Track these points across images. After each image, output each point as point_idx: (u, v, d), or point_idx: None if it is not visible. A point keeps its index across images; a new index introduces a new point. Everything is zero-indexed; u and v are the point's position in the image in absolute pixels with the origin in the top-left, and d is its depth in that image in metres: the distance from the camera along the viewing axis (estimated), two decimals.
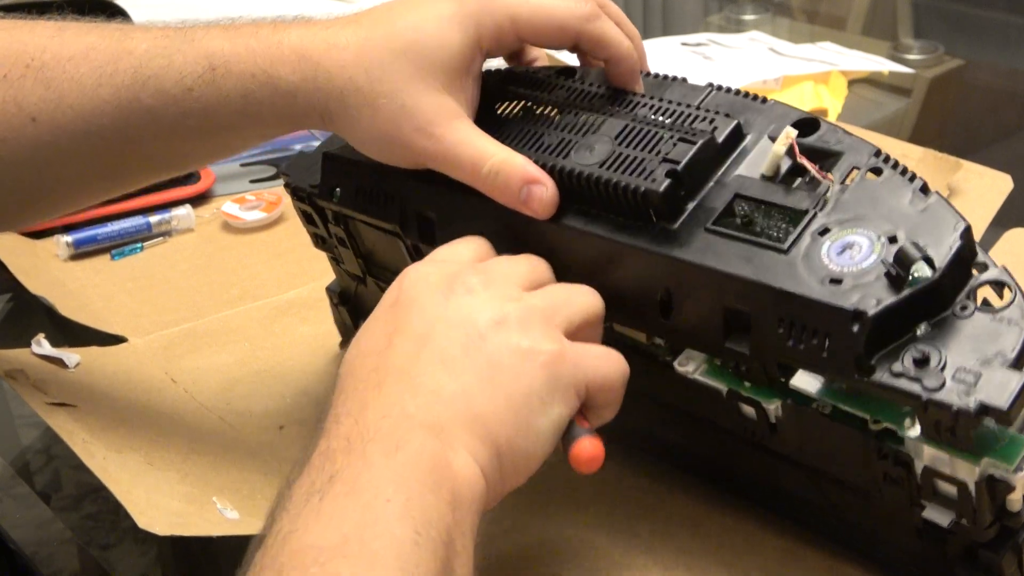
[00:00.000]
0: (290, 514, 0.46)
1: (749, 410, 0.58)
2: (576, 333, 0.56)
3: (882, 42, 1.44)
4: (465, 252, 0.60)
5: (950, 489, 0.51)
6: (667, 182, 0.57)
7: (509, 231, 0.62)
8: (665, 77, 0.64)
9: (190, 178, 1.05)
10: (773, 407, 0.57)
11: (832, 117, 1.20)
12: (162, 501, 0.66)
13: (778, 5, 1.59)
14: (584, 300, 0.58)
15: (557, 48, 0.65)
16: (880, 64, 1.32)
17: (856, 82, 1.29)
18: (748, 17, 1.54)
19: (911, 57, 1.37)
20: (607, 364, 0.56)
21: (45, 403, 0.73)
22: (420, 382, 0.51)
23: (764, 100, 0.61)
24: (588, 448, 0.53)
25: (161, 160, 0.68)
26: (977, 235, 0.83)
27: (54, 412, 0.72)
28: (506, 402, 0.51)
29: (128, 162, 0.67)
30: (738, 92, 0.62)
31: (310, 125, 0.64)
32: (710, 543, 0.64)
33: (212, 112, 0.63)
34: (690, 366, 0.60)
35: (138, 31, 0.65)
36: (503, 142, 0.62)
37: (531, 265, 0.59)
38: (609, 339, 0.60)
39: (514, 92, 0.65)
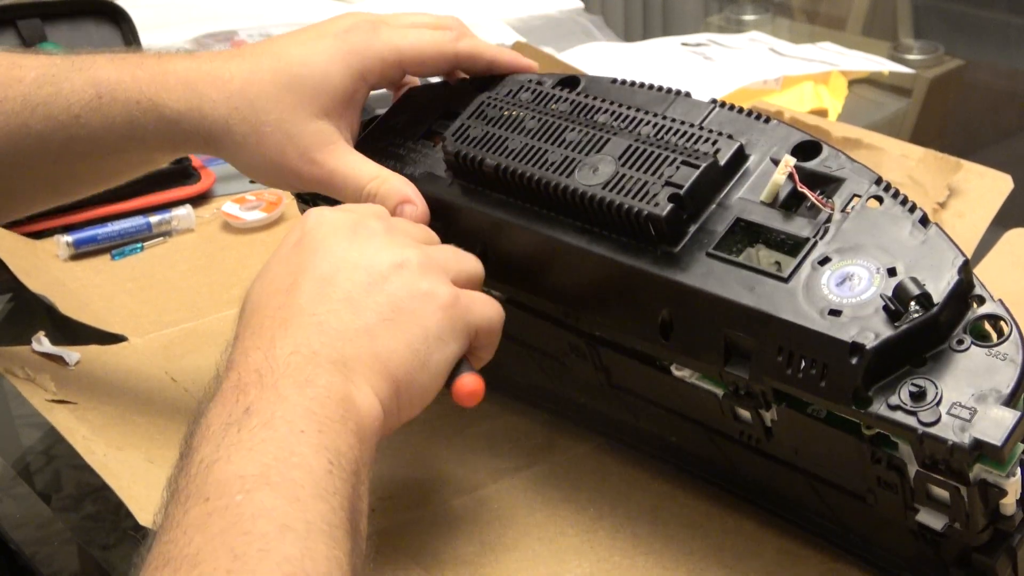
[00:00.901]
0: (210, 445, 0.49)
1: (745, 414, 0.58)
2: (462, 287, 0.60)
3: (882, 42, 1.44)
4: (367, 207, 0.63)
5: (943, 493, 0.52)
6: (670, 206, 0.57)
7: (518, 243, 0.63)
8: (668, 91, 0.64)
9: (190, 178, 1.05)
10: (769, 412, 0.57)
11: (832, 117, 1.20)
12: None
13: (778, 5, 1.59)
14: (471, 261, 0.62)
15: (437, 75, 0.70)
16: (880, 64, 1.32)
17: (856, 82, 1.29)
18: (748, 17, 1.54)
19: (911, 57, 1.37)
20: (491, 309, 0.60)
21: (45, 400, 0.73)
22: (325, 320, 0.54)
23: (767, 120, 0.61)
24: (470, 383, 0.58)
25: (51, 183, 0.72)
26: (977, 235, 0.84)
27: (54, 409, 0.72)
28: (406, 341, 0.55)
29: (18, 185, 0.71)
30: (741, 110, 0.62)
31: (194, 150, 0.69)
32: (710, 545, 0.65)
33: (98, 137, 0.67)
34: (687, 370, 0.60)
35: (27, 59, 0.68)
36: (507, 157, 0.62)
37: (424, 229, 0.63)
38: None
39: (518, 104, 0.65)
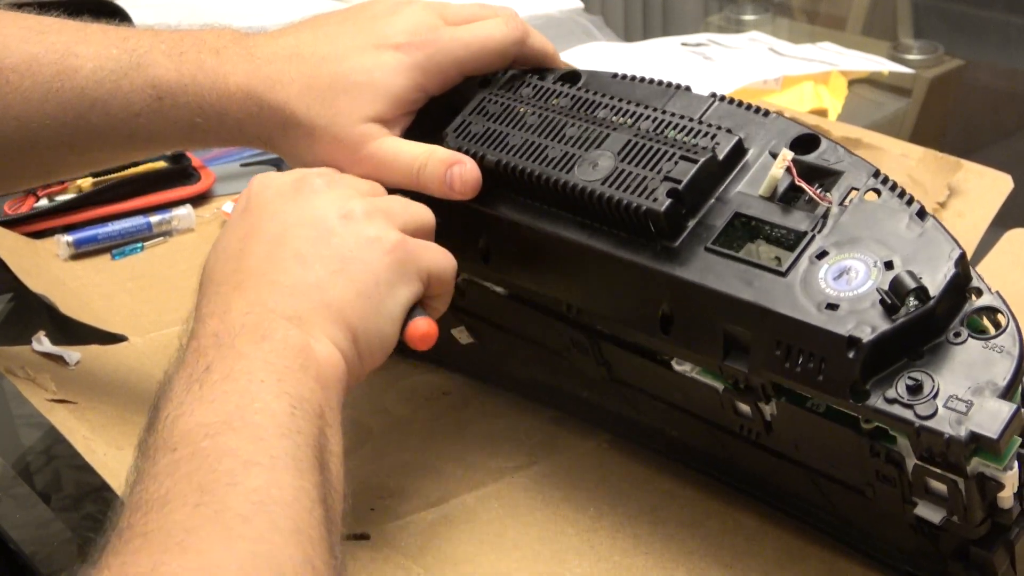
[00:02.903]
0: (173, 403, 0.50)
1: (745, 408, 0.58)
2: (411, 235, 0.60)
3: (882, 42, 1.44)
4: (312, 169, 0.64)
5: (941, 487, 0.52)
6: (668, 201, 0.57)
7: (519, 238, 0.63)
8: (668, 85, 0.64)
9: (190, 178, 1.05)
10: (768, 406, 0.57)
11: (832, 117, 1.20)
12: None
13: (778, 5, 1.59)
14: (419, 210, 0.62)
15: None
16: (880, 64, 1.32)
17: (856, 82, 1.29)
18: (748, 17, 1.54)
19: (911, 57, 1.37)
20: (442, 256, 0.61)
21: (46, 400, 0.73)
22: (277, 278, 0.56)
23: (766, 113, 0.61)
24: (422, 326, 0.59)
25: (102, 164, 0.75)
26: (977, 235, 0.84)
27: (55, 409, 0.72)
28: (357, 289, 0.56)
29: (66, 163, 0.72)
30: (740, 104, 0.62)
31: (254, 147, 0.71)
32: (710, 544, 0.65)
33: (158, 135, 0.68)
34: (687, 365, 0.60)
35: (80, 45, 0.68)
36: (507, 153, 0.62)
37: (371, 183, 0.64)
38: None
39: (518, 100, 0.65)
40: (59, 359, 0.79)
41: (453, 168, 0.63)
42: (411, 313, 0.59)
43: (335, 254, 0.57)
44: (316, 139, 0.65)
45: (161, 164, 1.04)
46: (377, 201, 0.61)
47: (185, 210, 1.01)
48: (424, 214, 0.62)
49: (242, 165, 1.10)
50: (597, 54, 1.31)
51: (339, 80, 0.65)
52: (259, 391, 0.50)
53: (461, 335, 0.74)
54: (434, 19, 0.67)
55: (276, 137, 0.67)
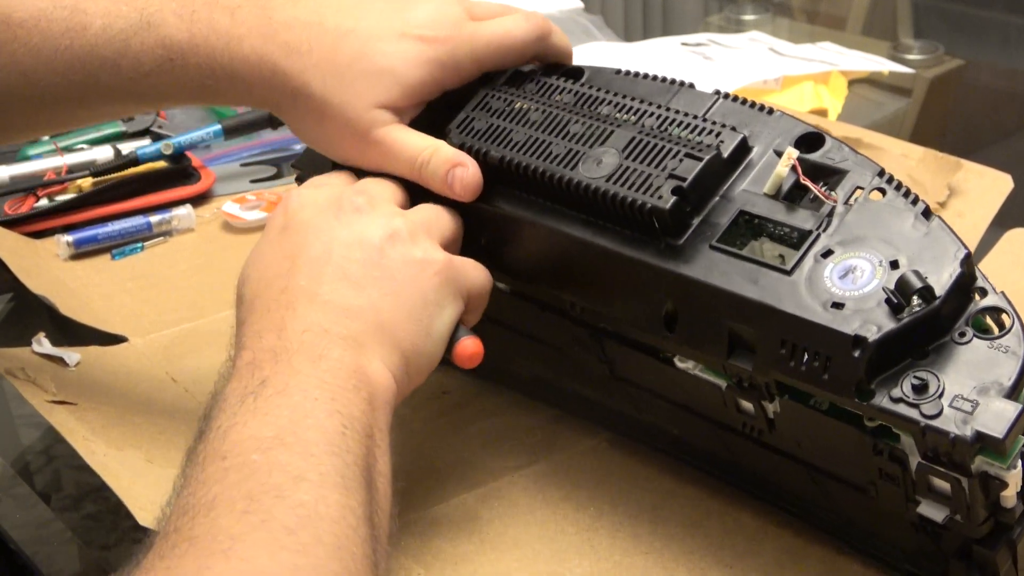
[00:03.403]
0: (226, 413, 0.51)
1: (748, 406, 0.58)
2: (447, 247, 0.61)
3: (882, 42, 1.44)
4: (337, 176, 0.65)
5: (944, 485, 0.52)
6: (673, 199, 0.57)
7: (522, 235, 0.63)
8: (672, 82, 0.64)
9: (190, 178, 1.05)
10: (772, 404, 0.57)
11: (832, 117, 1.20)
12: (162, 498, 0.65)
13: (778, 5, 1.59)
14: (449, 217, 0.63)
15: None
16: (880, 64, 1.32)
17: (856, 82, 1.29)
18: (748, 17, 1.54)
19: (911, 57, 1.37)
20: (481, 274, 0.62)
21: (46, 401, 0.73)
22: (329, 299, 0.56)
23: (771, 111, 0.61)
24: (471, 346, 0.60)
25: (111, 117, 0.79)
26: (977, 235, 0.83)
27: (55, 410, 0.72)
28: (408, 311, 0.57)
29: (76, 117, 0.73)
30: (744, 101, 0.62)
31: (262, 109, 0.72)
32: (711, 543, 0.64)
33: (168, 94, 0.68)
34: (690, 362, 0.60)
35: (89, 2, 0.67)
36: (511, 149, 0.62)
37: (396, 184, 0.64)
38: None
39: (522, 96, 0.65)
40: (59, 360, 0.79)
41: (455, 169, 0.63)
42: (456, 332, 0.60)
43: (385, 276, 0.58)
44: (326, 116, 0.65)
45: (161, 164, 1.04)
46: (416, 216, 0.61)
47: (185, 210, 1.01)
48: (456, 224, 0.63)
49: (242, 165, 1.10)
50: (597, 54, 1.31)
51: (360, 61, 0.64)
52: (312, 408, 0.51)
53: None
54: (460, 13, 0.66)
55: (285, 104, 0.66)
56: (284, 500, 0.46)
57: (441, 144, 0.64)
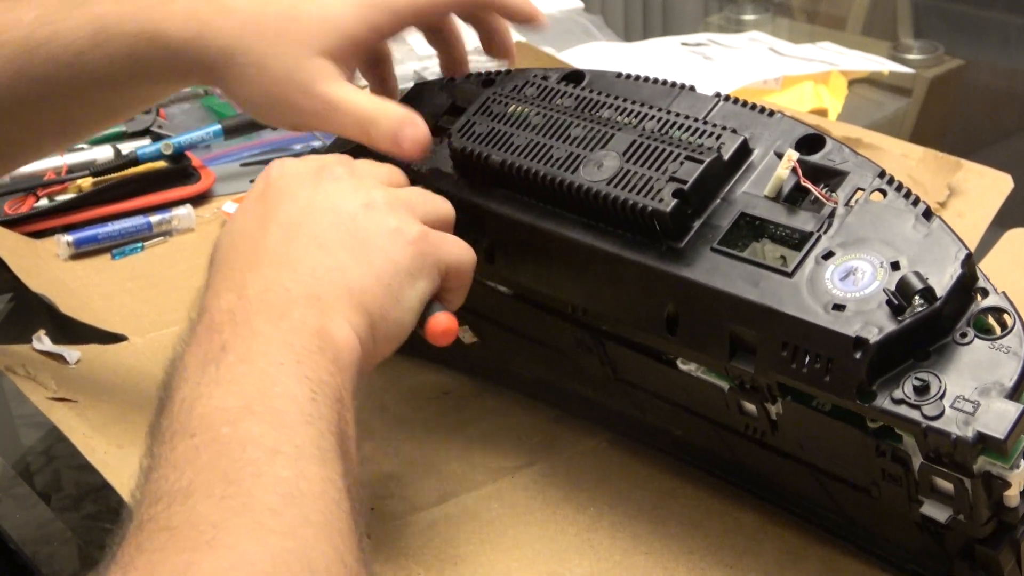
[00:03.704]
0: (189, 384, 0.49)
1: (750, 407, 0.58)
2: (431, 227, 0.59)
3: (882, 42, 1.44)
4: (329, 155, 0.63)
5: (947, 485, 0.52)
6: (674, 202, 0.57)
7: (524, 239, 0.63)
8: (673, 85, 0.64)
9: (190, 178, 1.05)
10: (774, 405, 0.57)
11: (832, 117, 1.20)
12: None
13: (778, 5, 1.59)
14: (440, 203, 0.61)
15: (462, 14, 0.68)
16: (880, 64, 1.32)
17: (856, 82, 1.29)
18: (748, 17, 1.54)
19: (911, 57, 1.37)
20: (462, 250, 0.60)
21: (46, 398, 0.73)
22: (296, 260, 0.54)
23: (771, 113, 0.61)
24: (443, 321, 0.58)
25: (57, 125, 0.71)
26: (977, 235, 0.83)
27: (55, 407, 0.72)
28: (377, 276, 0.55)
29: (24, 131, 0.70)
30: (745, 103, 0.62)
31: (198, 82, 0.68)
32: (711, 543, 0.64)
33: (101, 74, 0.66)
34: (692, 364, 0.60)
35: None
36: (512, 153, 0.62)
37: (391, 168, 0.62)
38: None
39: (523, 100, 0.65)
40: (59, 357, 0.79)
41: (405, 128, 0.62)
42: (429, 307, 0.58)
43: (356, 240, 0.56)
44: (265, 71, 0.63)
45: (161, 164, 1.04)
46: (399, 192, 0.60)
47: (185, 210, 1.01)
48: (444, 207, 0.61)
49: (242, 165, 1.10)
50: (597, 54, 1.31)
51: (290, 10, 0.64)
52: (279, 374, 0.49)
53: (465, 334, 0.74)
54: None
55: (221, 65, 0.64)
56: (262, 478, 0.45)
57: (389, 103, 0.64)
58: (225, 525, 0.43)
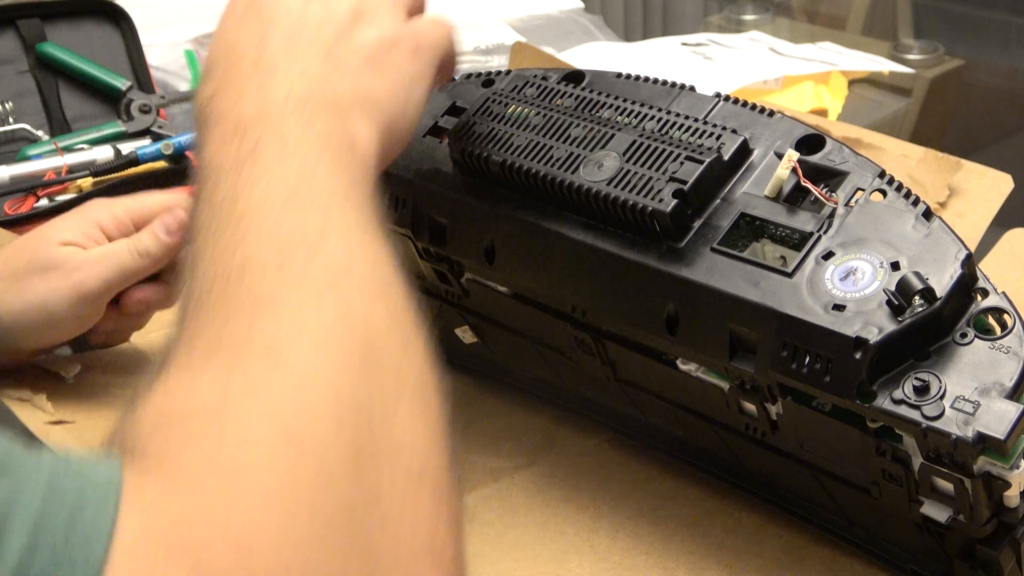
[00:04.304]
0: (227, 181, 0.49)
1: (751, 407, 0.58)
2: (414, 13, 0.59)
3: (882, 42, 1.44)
4: None
5: (947, 486, 0.52)
6: (674, 203, 0.57)
7: (524, 239, 0.63)
8: (673, 85, 0.64)
9: (190, 178, 1.05)
10: (774, 405, 0.57)
11: (832, 117, 1.20)
12: None
13: (778, 5, 1.59)
14: None
15: None
16: (880, 64, 1.32)
17: (856, 82, 1.29)
18: (748, 17, 1.54)
19: (911, 57, 1.37)
20: (444, 31, 0.60)
21: (43, 424, 0.72)
22: (307, 69, 0.55)
23: (771, 113, 0.61)
24: None
25: None
26: (977, 235, 0.83)
27: (52, 431, 0.72)
28: (389, 83, 0.56)
29: None
30: (745, 104, 0.62)
31: None
32: (711, 543, 0.64)
33: None
34: (692, 364, 0.60)
35: None
36: (512, 153, 0.62)
37: None
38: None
39: (523, 100, 0.65)
40: (56, 376, 0.79)
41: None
42: None
43: (361, 52, 0.56)
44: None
45: (161, 164, 1.04)
46: None
47: None
48: None
49: None
50: (597, 54, 1.31)
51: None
52: (317, 168, 0.50)
53: (465, 335, 0.74)
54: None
55: None
56: (315, 255, 0.46)
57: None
58: (283, 297, 0.44)
